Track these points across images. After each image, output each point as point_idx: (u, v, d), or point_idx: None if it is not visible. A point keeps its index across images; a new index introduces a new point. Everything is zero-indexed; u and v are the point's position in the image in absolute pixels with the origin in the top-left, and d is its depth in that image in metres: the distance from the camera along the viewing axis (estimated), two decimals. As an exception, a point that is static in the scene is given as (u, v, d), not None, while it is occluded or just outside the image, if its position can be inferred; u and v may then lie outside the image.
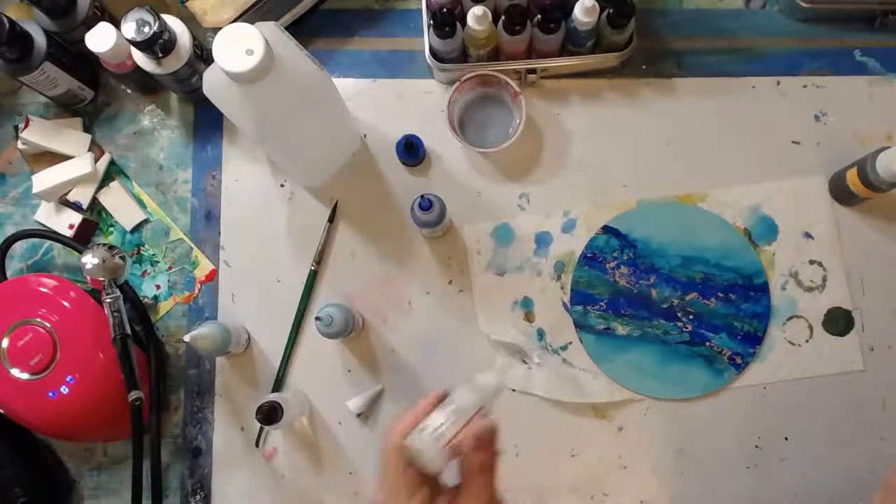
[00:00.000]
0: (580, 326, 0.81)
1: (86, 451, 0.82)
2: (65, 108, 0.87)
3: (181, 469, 0.81)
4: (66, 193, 0.84)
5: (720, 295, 0.81)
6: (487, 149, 0.80)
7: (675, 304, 0.81)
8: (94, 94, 0.87)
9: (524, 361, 0.81)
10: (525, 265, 0.82)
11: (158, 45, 0.75)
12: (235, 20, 0.80)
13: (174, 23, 0.78)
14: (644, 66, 0.85)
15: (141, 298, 0.82)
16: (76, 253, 0.83)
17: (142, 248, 0.85)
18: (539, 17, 0.77)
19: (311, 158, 0.81)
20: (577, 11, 0.76)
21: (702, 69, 0.85)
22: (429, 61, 0.83)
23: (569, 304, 0.82)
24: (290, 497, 0.80)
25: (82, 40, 0.77)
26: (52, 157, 0.85)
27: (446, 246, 0.83)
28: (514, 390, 0.80)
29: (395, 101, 0.86)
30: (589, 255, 0.82)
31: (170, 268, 0.85)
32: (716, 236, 0.82)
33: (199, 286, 0.84)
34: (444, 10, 0.77)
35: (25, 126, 0.85)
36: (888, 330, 0.80)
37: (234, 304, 0.83)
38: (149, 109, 0.88)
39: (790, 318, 0.81)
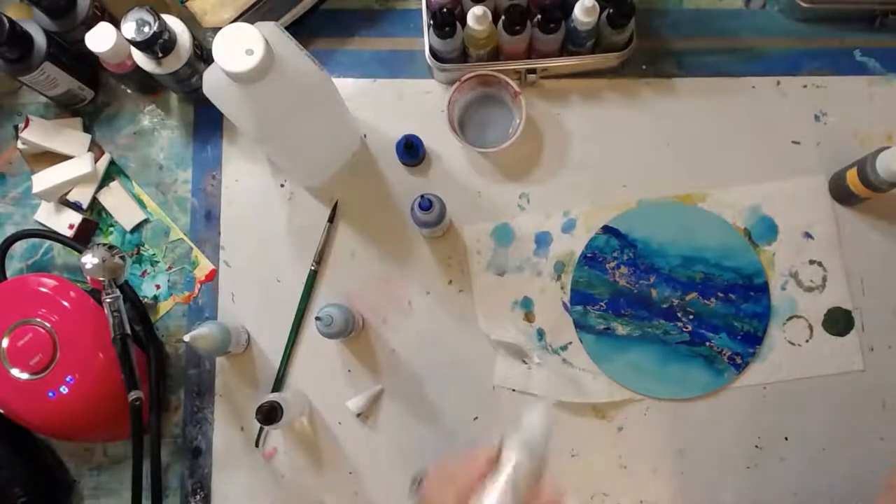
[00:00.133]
0: (580, 326, 0.81)
1: (86, 451, 0.82)
2: (65, 108, 0.87)
3: (181, 469, 0.81)
4: (66, 193, 0.84)
5: (720, 295, 0.81)
6: (487, 149, 0.80)
7: (675, 304, 0.81)
8: (94, 94, 0.87)
9: (524, 361, 0.81)
10: (525, 265, 0.82)
11: (158, 45, 0.75)
12: (235, 20, 0.80)
13: (174, 23, 0.78)
14: (644, 66, 0.85)
15: (141, 298, 0.82)
16: (76, 253, 0.83)
17: (142, 248, 0.85)
18: (539, 17, 0.77)
19: (311, 158, 0.81)
20: (577, 11, 0.76)
21: (702, 69, 0.85)
22: (429, 61, 0.83)
23: (569, 304, 0.82)
24: (290, 497, 0.80)
25: (82, 40, 0.77)
26: (52, 157, 0.85)
27: (446, 246, 0.83)
28: (514, 390, 0.80)
29: (395, 101, 0.86)
30: (589, 255, 0.82)
31: (170, 268, 0.85)
32: (716, 236, 0.82)
33: (198, 286, 0.84)
34: (444, 10, 0.77)
35: (25, 126, 0.85)
36: (888, 330, 0.80)
37: (234, 304, 0.83)
38: (149, 109, 0.88)
39: (790, 318, 0.81)
